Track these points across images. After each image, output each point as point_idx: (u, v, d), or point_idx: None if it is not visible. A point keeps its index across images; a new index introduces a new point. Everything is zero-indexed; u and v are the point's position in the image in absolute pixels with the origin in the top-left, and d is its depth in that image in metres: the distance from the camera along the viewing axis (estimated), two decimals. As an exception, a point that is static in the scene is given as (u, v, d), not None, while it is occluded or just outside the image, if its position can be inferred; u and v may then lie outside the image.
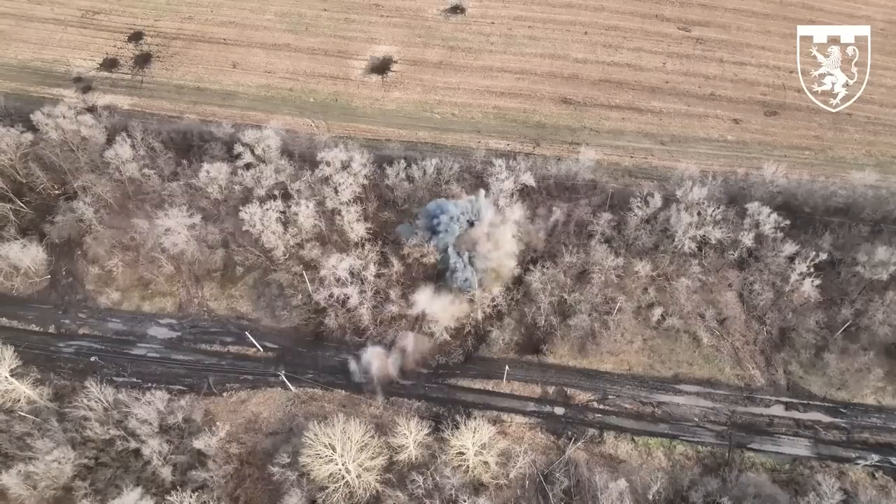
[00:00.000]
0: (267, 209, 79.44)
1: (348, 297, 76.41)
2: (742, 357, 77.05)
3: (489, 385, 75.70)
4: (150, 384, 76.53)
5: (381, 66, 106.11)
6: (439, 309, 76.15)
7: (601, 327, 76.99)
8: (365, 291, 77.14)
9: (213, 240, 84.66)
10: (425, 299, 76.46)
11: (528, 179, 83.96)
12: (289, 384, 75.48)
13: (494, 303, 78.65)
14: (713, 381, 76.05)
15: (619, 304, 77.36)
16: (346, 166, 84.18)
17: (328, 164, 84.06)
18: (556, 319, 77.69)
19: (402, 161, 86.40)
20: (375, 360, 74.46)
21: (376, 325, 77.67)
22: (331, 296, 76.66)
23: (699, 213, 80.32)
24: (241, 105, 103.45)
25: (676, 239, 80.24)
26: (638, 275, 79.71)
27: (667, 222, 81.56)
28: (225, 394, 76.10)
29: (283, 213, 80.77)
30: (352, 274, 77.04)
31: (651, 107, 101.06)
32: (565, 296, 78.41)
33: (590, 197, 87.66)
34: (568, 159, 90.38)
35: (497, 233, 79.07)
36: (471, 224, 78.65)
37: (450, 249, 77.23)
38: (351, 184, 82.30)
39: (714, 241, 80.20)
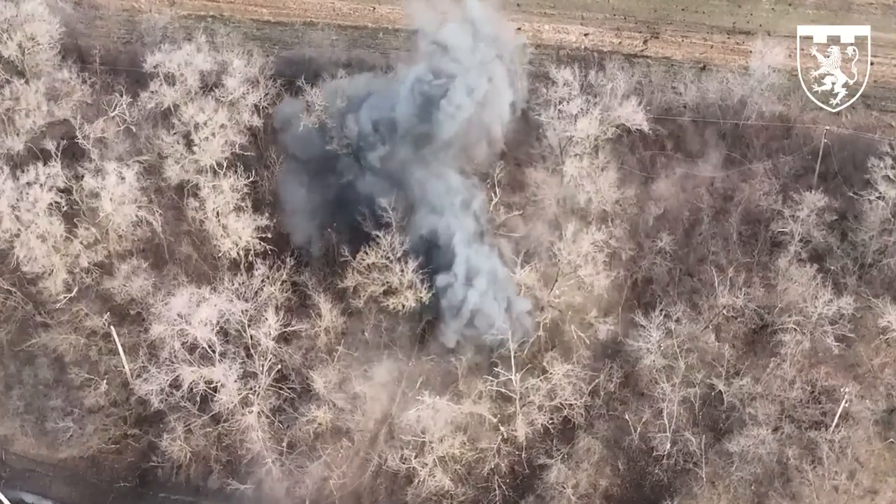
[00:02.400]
0: (28, 184, 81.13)
1: (217, 389, 76.25)
2: None
3: None
4: None
5: None
6: (427, 414, 76.22)
7: (802, 458, 77.66)
8: (255, 374, 76.92)
9: None
10: (391, 389, 79.84)
11: (633, 115, 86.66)
12: None
13: (556, 399, 79.05)
14: None
15: (843, 405, 77.80)
16: (211, 86, 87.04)
17: (170, 79, 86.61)
18: (699, 439, 78.44)
19: (342, 72, 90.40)
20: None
21: (280, 454, 78.39)
22: (175, 386, 76.41)
23: None
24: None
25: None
26: (888, 336, 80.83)
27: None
28: None
29: (67, 192, 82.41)
30: (225, 334, 77.30)
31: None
32: (719, 384, 79.43)
33: (774, 156, 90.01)
34: (723, 69, 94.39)
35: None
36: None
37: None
38: (224, 126, 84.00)
39: None
